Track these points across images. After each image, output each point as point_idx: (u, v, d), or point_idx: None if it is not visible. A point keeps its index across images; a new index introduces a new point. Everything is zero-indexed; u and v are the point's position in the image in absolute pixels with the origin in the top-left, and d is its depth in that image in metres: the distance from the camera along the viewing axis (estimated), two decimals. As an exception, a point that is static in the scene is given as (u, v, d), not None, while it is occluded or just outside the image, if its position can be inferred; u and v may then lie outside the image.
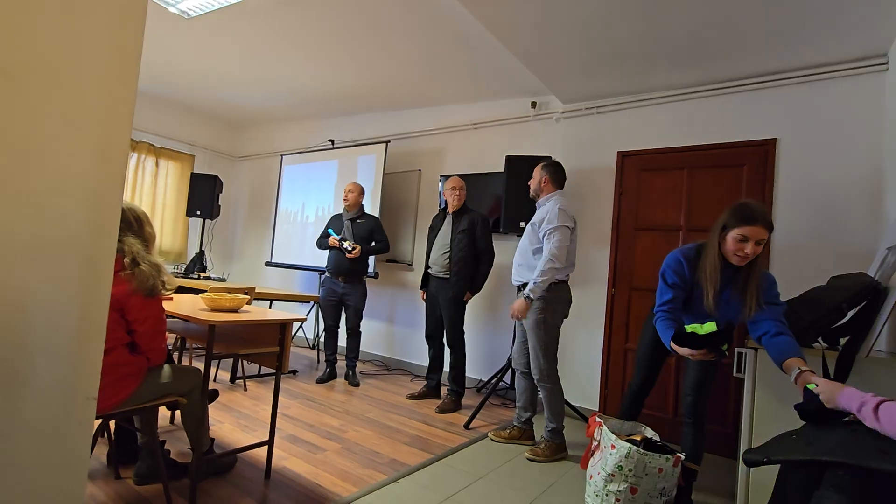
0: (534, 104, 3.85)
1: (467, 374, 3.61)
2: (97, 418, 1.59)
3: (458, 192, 3.44)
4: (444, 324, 3.43)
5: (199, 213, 5.09)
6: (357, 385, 3.75)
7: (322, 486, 2.06)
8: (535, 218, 2.71)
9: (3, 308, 0.87)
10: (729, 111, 3.05)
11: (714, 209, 3.04)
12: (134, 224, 1.70)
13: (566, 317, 2.71)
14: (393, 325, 4.58)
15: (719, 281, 1.88)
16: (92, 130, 0.97)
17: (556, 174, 2.75)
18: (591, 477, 2.10)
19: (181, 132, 5.54)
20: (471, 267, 3.34)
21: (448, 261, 3.36)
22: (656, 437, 2.12)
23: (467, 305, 3.48)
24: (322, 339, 3.93)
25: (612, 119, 3.49)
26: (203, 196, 5.09)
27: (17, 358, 0.90)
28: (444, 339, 3.47)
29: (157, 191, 5.37)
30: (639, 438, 2.07)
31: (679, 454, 1.97)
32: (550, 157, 3.39)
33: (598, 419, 2.22)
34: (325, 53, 3.57)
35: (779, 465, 1.43)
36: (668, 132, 3.25)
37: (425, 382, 3.62)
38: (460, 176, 3.67)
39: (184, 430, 2.04)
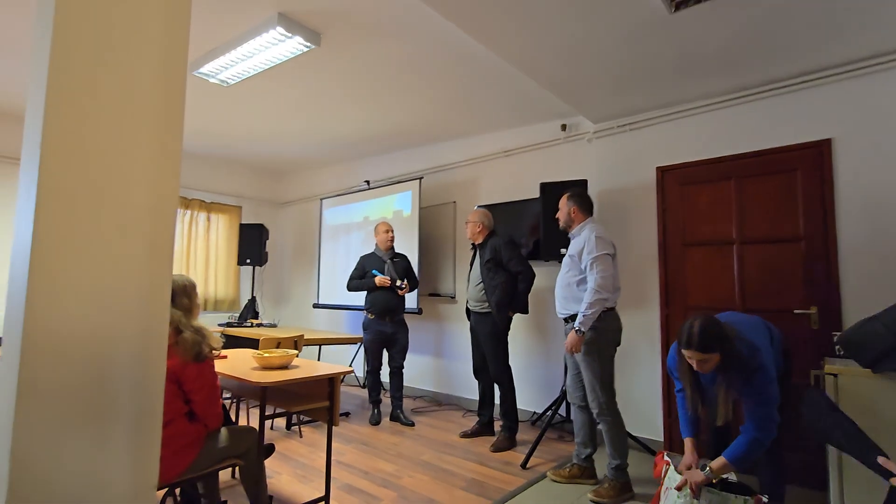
0: (564, 127, 3.80)
1: (520, 407, 3.51)
2: (160, 488, 1.64)
3: (472, 224, 3.41)
4: (487, 359, 3.36)
5: (248, 261, 5.32)
6: (412, 425, 3.72)
7: (381, 541, 2.03)
8: (571, 250, 2.64)
9: (81, 367, 0.92)
10: (774, 114, 2.88)
11: (769, 218, 2.86)
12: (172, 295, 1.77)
13: (619, 344, 2.60)
14: (441, 360, 4.55)
15: (692, 383, 2.01)
16: (143, 192, 1.02)
17: (584, 202, 2.69)
18: (663, 522, 1.96)
19: (228, 186, 5.86)
20: (508, 293, 3.28)
21: (483, 293, 3.32)
22: (732, 477, 1.96)
23: (516, 332, 3.40)
24: (368, 382, 3.92)
25: (647, 134, 3.38)
26: (251, 244, 5.33)
27: (94, 420, 0.94)
28: (491, 374, 3.40)
29: (209, 244, 5.67)
30: (714, 480, 1.91)
31: (761, 495, 1.81)
32: (585, 182, 3.33)
33: (665, 457, 2.08)
34: (357, 101, 3.70)
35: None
36: (709, 143, 3.11)
37: (477, 419, 3.55)
38: (494, 205, 3.66)
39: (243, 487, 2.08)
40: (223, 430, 1.85)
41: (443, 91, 3.43)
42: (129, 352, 1.00)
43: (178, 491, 2.12)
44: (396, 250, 4.06)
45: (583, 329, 2.44)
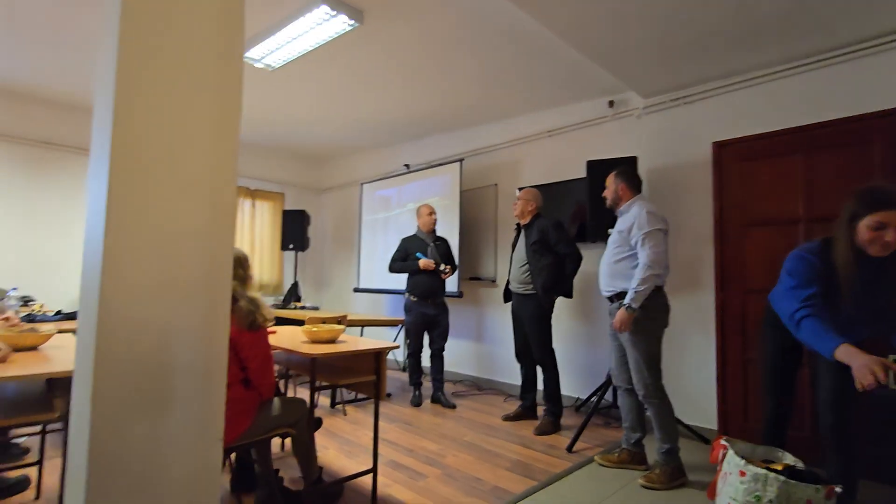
0: (611, 103, 3.66)
1: (564, 392, 3.43)
2: (220, 452, 1.69)
3: (524, 202, 3.33)
4: (531, 342, 3.30)
5: (291, 246, 5.44)
6: (454, 407, 3.72)
7: (428, 515, 2.03)
8: (619, 226, 2.55)
9: (150, 351, 0.95)
10: (846, 81, 2.66)
11: (841, 194, 2.64)
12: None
13: (667, 326, 2.48)
14: (481, 344, 4.53)
15: (857, 276, 1.65)
16: (205, 173, 1.04)
17: (632, 179, 2.59)
18: (722, 509, 1.86)
19: (271, 173, 6.01)
20: (554, 276, 3.20)
21: (528, 274, 3.25)
22: (800, 465, 1.84)
23: (560, 316, 3.33)
24: (409, 364, 3.94)
25: (702, 108, 3.20)
26: (294, 230, 5.45)
27: (161, 402, 0.97)
28: (534, 357, 3.34)
29: (254, 230, 5.84)
30: (780, 467, 1.80)
31: (835, 486, 1.68)
32: (635, 159, 3.19)
33: (723, 442, 1.98)
34: (396, 84, 3.68)
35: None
36: (772, 115, 2.91)
37: (520, 403, 3.50)
38: (537, 187, 3.57)
39: (294, 457, 2.13)
40: (276, 400, 1.90)
41: (487, 68, 3.36)
42: (194, 333, 1.03)
43: (233, 457, 2.20)
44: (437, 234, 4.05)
45: (634, 306, 2.35)
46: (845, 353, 1.54)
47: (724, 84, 3.07)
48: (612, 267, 2.54)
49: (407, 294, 3.88)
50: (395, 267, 3.94)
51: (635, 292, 2.34)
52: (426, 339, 3.89)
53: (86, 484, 0.88)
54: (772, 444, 2.04)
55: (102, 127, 0.96)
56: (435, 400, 3.81)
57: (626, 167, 2.69)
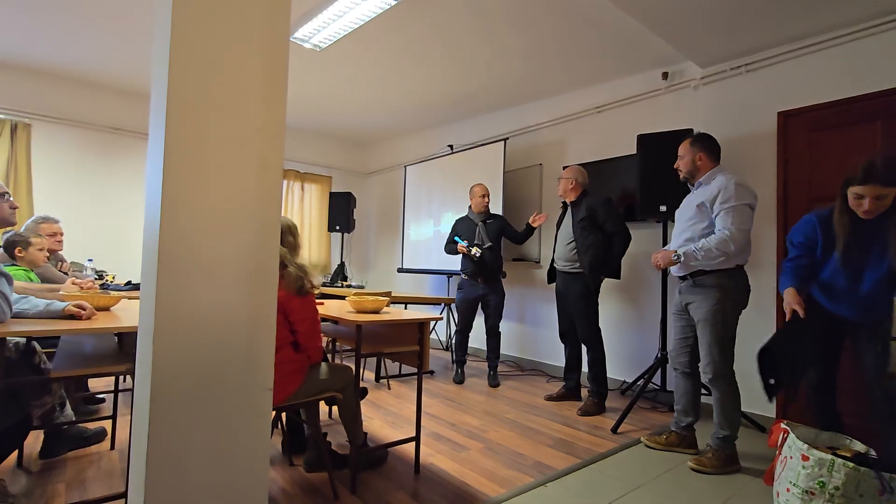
0: (665, 75, 3.47)
1: (610, 375, 3.35)
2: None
3: (565, 181, 3.24)
4: (576, 321, 3.23)
5: (338, 227, 5.59)
6: (497, 385, 3.73)
7: (469, 484, 2.05)
8: (696, 199, 2.34)
9: (198, 318, 1.01)
10: (939, 39, 2.39)
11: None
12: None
13: (745, 307, 2.32)
14: (524, 325, 4.49)
15: (850, 232, 1.87)
16: (253, 153, 1.08)
17: (713, 147, 2.38)
18: (779, 494, 1.77)
19: (320, 157, 6.17)
20: (601, 255, 3.10)
21: (575, 252, 3.17)
22: (872, 453, 1.71)
23: (606, 298, 3.23)
24: (455, 341, 3.97)
25: (767, 76, 2.98)
26: (341, 212, 5.59)
27: (213, 360, 1.03)
28: (580, 337, 3.27)
29: (303, 211, 6.04)
30: (848, 454, 1.68)
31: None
32: (692, 131, 3.02)
33: (783, 426, 1.87)
34: (441, 61, 3.66)
35: None
36: (844, 81, 2.67)
37: (563, 384, 3.46)
38: (583, 165, 3.46)
39: (341, 424, 2.21)
40: (323, 365, 1.97)
41: (532, 42, 3.27)
42: (244, 304, 1.07)
43: (284, 420, 2.31)
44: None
45: (682, 259, 2.26)
46: (786, 293, 1.98)
47: (792, 49, 2.84)
48: (686, 244, 2.35)
49: (461, 272, 3.94)
50: (445, 248, 4.03)
51: (695, 250, 2.22)
52: (478, 319, 3.91)
53: (147, 441, 0.96)
54: (823, 420, 1.99)
55: (158, 112, 1.01)
56: (488, 377, 3.82)
57: (704, 134, 2.47)
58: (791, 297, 1.94)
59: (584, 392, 3.35)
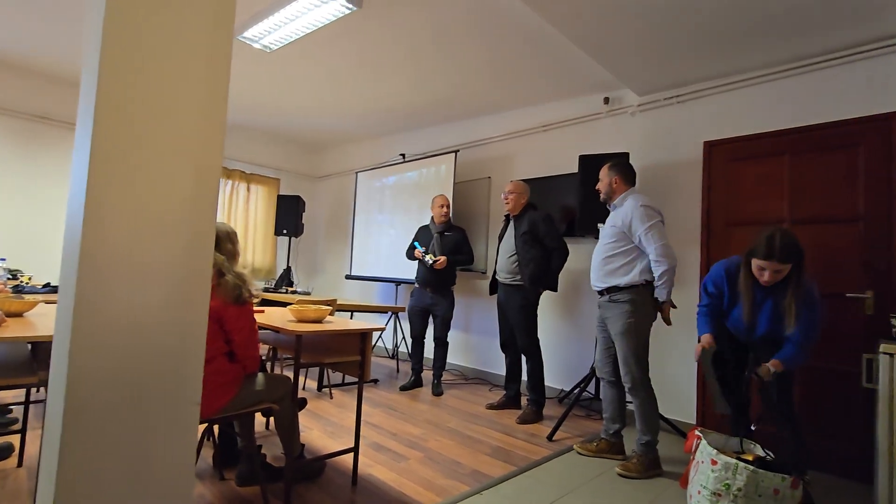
0: (606, 100, 3.68)
1: (548, 384, 3.48)
2: (201, 423, 1.72)
3: (510, 196, 3.37)
4: (516, 331, 3.34)
5: (285, 231, 5.45)
6: (440, 394, 3.76)
7: (407, 494, 2.07)
8: (612, 220, 2.58)
9: (121, 326, 0.96)
10: (835, 86, 2.70)
11: (825, 197, 2.69)
12: (217, 241, 1.84)
13: (654, 319, 2.53)
14: (469, 334, 4.56)
15: (752, 297, 2.12)
16: (189, 154, 1.05)
17: (627, 172, 2.62)
18: (692, 497, 1.92)
19: (268, 158, 6.00)
20: (542, 268, 3.23)
21: (516, 265, 3.28)
22: (771, 456, 1.89)
23: (545, 310, 3.36)
24: (402, 349, 3.98)
25: (696, 107, 3.24)
26: (288, 216, 5.45)
27: (136, 371, 0.99)
28: (519, 347, 3.38)
29: (249, 213, 5.84)
30: (750, 458, 1.85)
31: (802, 477, 1.73)
32: (626, 155, 3.23)
33: (697, 433, 2.03)
34: (397, 71, 3.69)
35: None
36: (762, 115, 2.95)
37: (504, 392, 3.55)
38: (529, 180, 3.59)
39: (277, 435, 2.16)
40: (260, 375, 1.92)
41: (483, 60, 3.37)
42: (172, 308, 1.03)
43: (216, 433, 2.22)
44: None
45: (669, 298, 2.47)
46: (703, 338, 2.27)
47: (721, 83, 3.11)
48: (605, 262, 2.56)
49: (415, 280, 4.00)
50: (406, 253, 4.11)
51: (663, 289, 2.42)
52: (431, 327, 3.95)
53: (58, 458, 0.90)
54: (737, 426, 2.18)
55: (87, 101, 0.96)
56: (432, 386, 3.84)
57: (621, 160, 2.71)
58: (706, 342, 2.26)
59: (523, 400, 3.46)
